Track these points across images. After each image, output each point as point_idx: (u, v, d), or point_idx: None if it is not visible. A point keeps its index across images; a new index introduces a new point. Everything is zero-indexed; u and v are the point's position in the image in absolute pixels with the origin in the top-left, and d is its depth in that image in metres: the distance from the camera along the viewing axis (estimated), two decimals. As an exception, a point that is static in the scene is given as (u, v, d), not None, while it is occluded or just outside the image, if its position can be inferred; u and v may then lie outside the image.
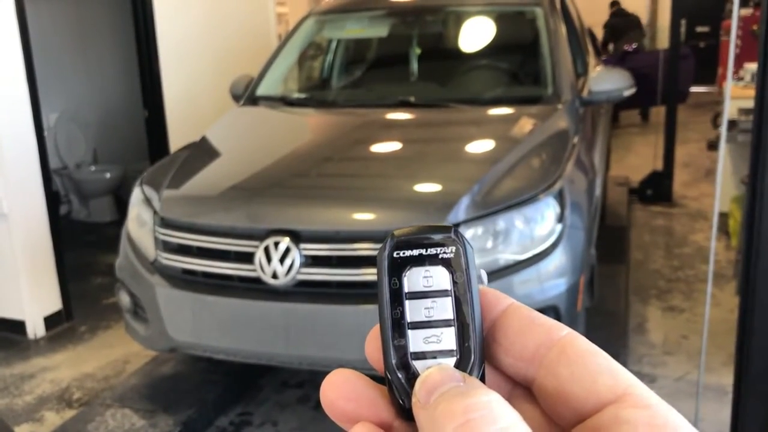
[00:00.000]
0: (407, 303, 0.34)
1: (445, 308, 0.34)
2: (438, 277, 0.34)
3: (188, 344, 2.78)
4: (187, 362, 3.44)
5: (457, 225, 2.56)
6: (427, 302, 0.34)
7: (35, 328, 3.95)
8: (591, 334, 3.16)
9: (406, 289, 0.34)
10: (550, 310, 2.60)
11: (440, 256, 0.34)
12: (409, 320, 0.34)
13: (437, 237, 0.35)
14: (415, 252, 0.34)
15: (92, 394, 3.35)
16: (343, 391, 0.34)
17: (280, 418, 3.09)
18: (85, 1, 6.24)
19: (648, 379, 3.25)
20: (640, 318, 3.90)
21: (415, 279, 0.34)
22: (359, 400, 0.34)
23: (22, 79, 3.77)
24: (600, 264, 3.18)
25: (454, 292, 0.34)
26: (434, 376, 0.32)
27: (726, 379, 3.16)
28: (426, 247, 0.34)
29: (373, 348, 0.35)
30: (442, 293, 0.34)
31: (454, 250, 0.34)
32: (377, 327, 0.35)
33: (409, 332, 0.34)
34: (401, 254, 0.34)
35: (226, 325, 2.68)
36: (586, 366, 0.32)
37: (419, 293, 0.34)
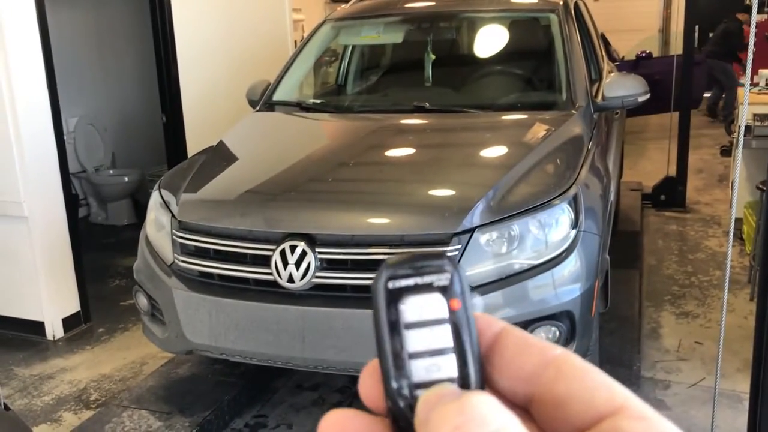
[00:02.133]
0: (406, 333, 0.34)
1: (443, 336, 0.34)
2: (435, 306, 0.34)
3: (205, 347, 2.80)
4: (203, 364, 3.47)
5: (472, 230, 2.58)
6: (426, 331, 0.34)
7: (54, 330, 4.00)
8: (604, 340, 3.17)
9: (404, 320, 0.34)
10: (564, 315, 2.61)
11: (435, 284, 0.34)
12: (409, 351, 0.34)
13: (432, 265, 0.35)
14: (411, 281, 0.34)
15: (109, 396, 3.38)
16: (346, 431, 0.34)
17: (295, 421, 3.12)
18: (104, 8, 6.32)
19: (662, 386, 3.25)
20: (654, 323, 3.90)
21: (412, 309, 0.34)
22: None
23: (43, 85, 3.83)
24: (613, 269, 3.18)
25: (452, 319, 0.34)
26: (433, 393, 0.33)
27: (741, 385, 3.15)
28: (421, 275, 0.34)
29: (368, 386, 0.35)
30: (440, 321, 0.34)
31: (449, 278, 0.35)
32: (371, 365, 0.35)
33: (410, 363, 0.34)
34: (397, 284, 0.34)
35: (242, 327, 2.70)
36: (583, 381, 0.34)
37: (417, 323, 0.34)
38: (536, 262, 2.60)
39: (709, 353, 3.49)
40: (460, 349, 0.34)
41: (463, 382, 0.34)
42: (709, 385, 3.15)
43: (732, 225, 2.62)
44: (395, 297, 0.34)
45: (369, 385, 0.35)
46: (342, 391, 3.31)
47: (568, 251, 2.63)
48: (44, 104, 3.85)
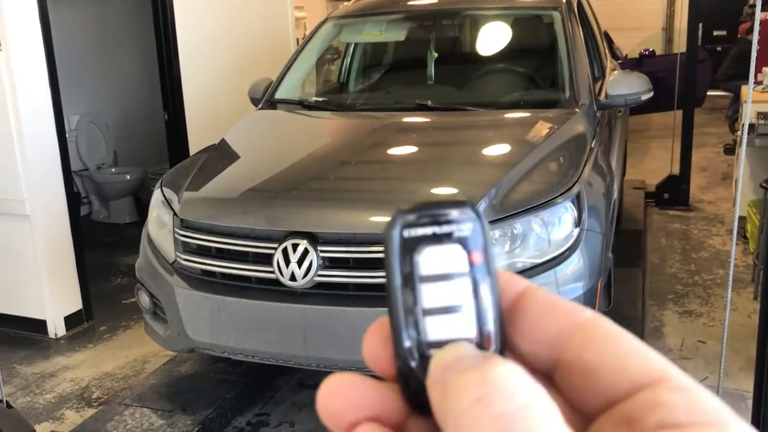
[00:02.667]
0: (421, 287, 0.31)
1: (462, 291, 0.31)
2: (454, 258, 0.31)
3: (206, 345, 2.80)
4: (205, 362, 3.47)
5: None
6: (443, 285, 0.31)
7: (56, 328, 4.00)
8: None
9: (419, 272, 0.31)
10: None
11: (456, 235, 0.31)
12: (424, 306, 0.31)
13: (451, 213, 0.31)
14: (429, 230, 0.31)
15: (111, 394, 3.38)
16: (348, 398, 0.31)
17: (297, 419, 3.11)
18: (106, 6, 6.31)
19: (665, 384, 3.24)
20: (657, 322, 3.89)
21: (429, 260, 0.31)
22: (368, 403, 0.31)
23: (45, 83, 3.83)
24: (616, 268, 3.17)
25: (472, 273, 0.31)
26: (450, 353, 0.30)
27: (744, 384, 3.14)
28: (440, 224, 0.31)
29: (374, 347, 0.32)
30: (459, 275, 0.31)
31: (470, 228, 0.31)
32: (377, 324, 0.33)
33: (425, 319, 0.31)
34: (412, 233, 0.31)
35: (244, 326, 2.70)
36: (615, 348, 0.30)
37: (434, 276, 0.31)
38: (539, 261, 2.59)
39: (713, 352, 3.48)
40: (479, 307, 0.31)
41: (482, 343, 0.31)
42: (713, 383, 3.14)
43: (735, 223, 2.61)
44: (410, 246, 0.31)
45: (375, 346, 0.32)
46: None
47: (571, 250, 2.62)
48: (46, 102, 3.85)
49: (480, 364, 0.28)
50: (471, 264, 0.31)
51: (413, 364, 0.31)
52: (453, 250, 0.31)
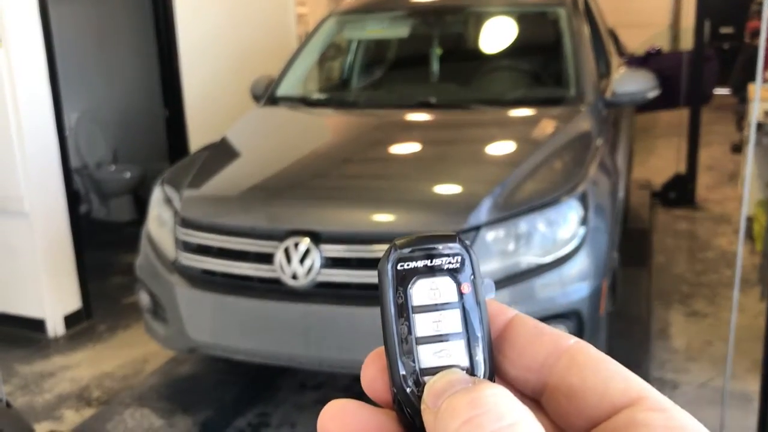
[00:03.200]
0: (414, 317, 0.33)
1: (453, 321, 0.33)
2: (445, 289, 0.33)
3: (207, 344, 2.78)
4: (205, 362, 3.44)
5: (478, 227, 2.53)
6: (435, 315, 0.33)
7: (55, 327, 3.97)
8: (613, 339, 3.13)
9: (412, 303, 0.33)
10: (572, 314, 2.56)
11: (446, 267, 0.33)
12: (417, 335, 0.33)
13: (442, 246, 0.33)
14: (420, 263, 0.33)
15: (111, 393, 3.36)
16: (348, 424, 0.32)
17: (298, 420, 3.08)
18: (106, 3, 6.28)
19: (670, 385, 3.21)
20: (663, 323, 3.85)
21: (421, 292, 0.33)
22: (367, 430, 0.33)
23: (45, 80, 3.80)
24: (622, 268, 3.14)
25: (462, 303, 0.33)
26: (442, 380, 0.31)
27: (751, 385, 3.10)
28: (431, 257, 0.33)
29: (371, 374, 0.34)
30: (449, 305, 0.33)
31: (460, 260, 0.33)
32: (374, 353, 0.34)
33: (418, 348, 0.33)
34: (405, 266, 0.33)
35: (245, 325, 2.68)
36: (598, 372, 0.32)
37: (426, 306, 0.33)
38: (544, 261, 2.56)
39: (719, 353, 3.44)
40: (470, 335, 0.33)
41: (473, 370, 0.33)
42: (719, 385, 3.11)
43: (743, 223, 2.57)
44: (403, 279, 0.33)
45: (372, 375, 0.34)
46: (346, 390, 3.27)
47: (576, 249, 2.59)
48: (46, 99, 3.82)
49: (470, 388, 0.30)
50: (461, 294, 0.33)
51: (408, 390, 0.32)
52: (444, 281, 0.33)
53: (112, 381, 3.48)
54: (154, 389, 3.27)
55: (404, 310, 0.33)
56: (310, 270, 2.54)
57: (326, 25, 4.13)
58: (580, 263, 2.60)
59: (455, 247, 0.33)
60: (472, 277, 0.33)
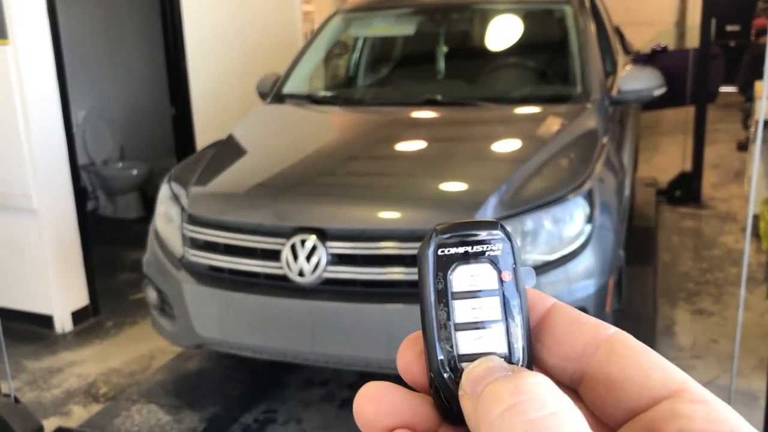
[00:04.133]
0: (454, 303, 0.33)
1: (493, 308, 0.33)
2: (485, 276, 0.33)
3: (214, 341, 2.79)
4: (212, 359, 3.45)
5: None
6: (475, 302, 0.33)
7: (63, 323, 3.99)
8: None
9: (452, 289, 0.33)
10: (578, 311, 2.57)
11: (487, 254, 0.33)
12: (456, 321, 0.33)
13: (483, 233, 0.33)
14: (461, 249, 0.33)
15: (118, 389, 3.37)
16: (384, 405, 0.33)
17: (304, 416, 3.09)
18: (114, 1, 6.30)
19: (676, 383, 3.21)
20: (669, 321, 3.85)
21: (461, 278, 0.33)
22: (402, 411, 0.33)
23: (53, 77, 3.81)
24: (628, 265, 3.14)
25: (502, 291, 0.33)
26: (481, 366, 0.32)
27: (757, 384, 3.10)
28: (472, 244, 0.33)
29: (408, 359, 0.34)
30: (489, 292, 0.33)
31: (501, 247, 0.33)
32: (410, 338, 0.34)
33: (457, 334, 0.33)
34: (446, 252, 0.33)
35: (252, 322, 2.69)
36: (637, 362, 0.32)
37: (466, 293, 0.33)
38: (550, 258, 2.56)
39: (725, 351, 3.44)
40: (509, 323, 0.33)
41: (511, 358, 0.33)
42: (725, 383, 3.11)
43: (749, 221, 2.58)
44: (444, 265, 0.33)
45: (409, 359, 0.34)
46: (352, 386, 3.28)
47: (582, 247, 2.59)
48: (54, 97, 3.83)
49: (512, 376, 0.30)
50: (501, 282, 0.33)
51: (446, 376, 0.32)
52: (484, 268, 0.33)
53: (119, 377, 3.50)
54: (160, 385, 3.28)
55: (444, 296, 0.33)
56: (316, 267, 2.55)
57: (332, 23, 4.14)
58: (586, 261, 2.60)
59: (496, 234, 0.33)
60: (513, 264, 0.33)
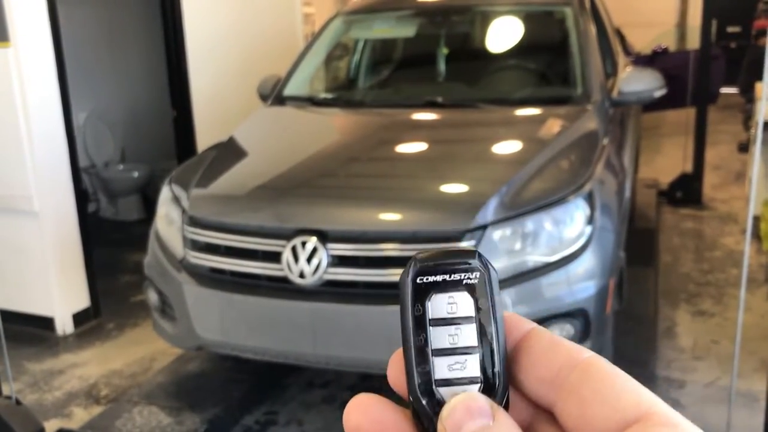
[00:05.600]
0: (431, 330, 0.34)
1: (469, 335, 0.34)
2: (462, 304, 0.34)
3: (215, 343, 2.79)
4: (213, 360, 3.46)
5: (485, 226, 2.54)
6: (451, 329, 0.34)
7: (64, 325, 4.00)
8: (619, 339, 3.14)
9: (429, 316, 0.34)
10: (579, 313, 2.57)
11: (464, 282, 0.34)
12: (433, 347, 0.34)
13: (461, 262, 0.34)
14: (439, 278, 0.34)
15: (119, 391, 3.38)
16: (369, 415, 0.34)
17: (305, 418, 3.09)
18: (114, 3, 6.31)
19: (677, 385, 3.21)
20: (670, 322, 3.85)
21: (438, 305, 0.34)
22: (385, 423, 0.34)
23: (54, 80, 3.82)
24: (629, 267, 3.14)
25: (479, 318, 0.34)
26: (462, 405, 0.32)
27: (758, 385, 3.10)
28: (450, 272, 0.34)
29: (396, 372, 0.35)
30: (466, 320, 0.34)
31: (478, 276, 0.34)
32: (399, 351, 0.35)
33: (433, 359, 0.34)
34: (425, 280, 0.34)
35: (253, 324, 2.69)
36: (610, 386, 0.33)
37: (443, 320, 0.34)
38: (550, 259, 2.56)
39: (725, 352, 3.44)
40: (485, 350, 0.34)
41: (486, 383, 0.34)
42: (725, 384, 3.11)
43: (750, 222, 2.58)
44: (422, 292, 0.34)
45: (397, 372, 0.35)
46: (353, 388, 3.28)
47: (582, 248, 2.59)
48: (55, 99, 3.84)
49: (490, 425, 0.32)
50: (478, 309, 0.34)
51: (423, 401, 0.33)
52: (462, 296, 0.34)
53: (120, 379, 3.50)
54: (162, 387, 3.28)
55: (422, 322, 0.34)
56: (317, 269, 2.55)
57: (333, 25, 4.14)
58: (587, 262, 2.60)
59: (474, 263, 0.34)
60: (490, 293, 0.34)
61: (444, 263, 0.34)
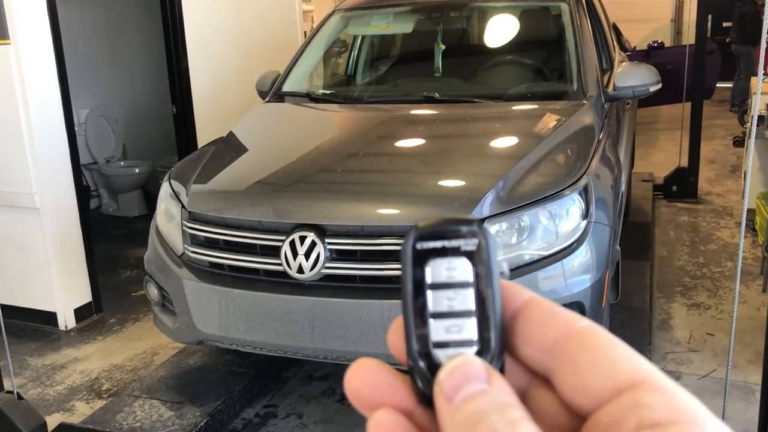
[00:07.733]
0: (430, 293, 0.35)
1: (466, 299, 0.35)
2: (460, 269, 0.35)
3: (215, 337, 2.81)
4: (213, 354, 3.49)
5: (482, 220, 2.57)
6: (449, 293, 0.35)
7: (66, 320, 4.03)
8: (615, 331, 3.17)
9: (428, 280, 0.35)
10: (574, 306, 2.59)
11: (463, 249, 0.35)
12: (431, 310, 0.35)
13: (460, 229, 0.35)
14: (438, 244, 0.35)
15: (121, 385, 3.41)
16: (366, 379, 0.35)
17: (305, 411, 3.13)
18: (115, 0, 6.33)
19: (673, 377, 3.19)
20: (665, 315, 3.88)
21: (437, 270, 0.35)
22: (382, 387, 0.35)
23: (54, 77, 3.84)
24: (624, 260, 3.17)
25: (476, 283, 0.35)
26: (460, 370, 0.33)
27: (753, 377, 3.14)
28: (449, 239, 0.35)
29: (395, 338, 0.36)
30: (464, 285, 0.35)
31: (476, 243, 0.35)
32: (399, 319, 0.36)
33: (431, 321, 0.35)
34: (425, 246, 0.35)
35: (252, 318, 2.71)
36: (606, 354, 0.33)
37: (441, 284, 0.35)
38: (546, 253, 2.59)
39: (721, 345, 3.47)
40: (481, 314, 0.35)
41: (482, 347, 0.35)
42: (721, 376, 3.14)
43: (744, 216, 2.60)
44: (422, 258, 0.35)
45: (396, 339, 0.36)
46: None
47: (578, 242, 2.62)
48: (55, 96, 3.86)
49: (488, 392, 0.33)
50: (476, 275, 0.35)
51: (421, 363, 0.35)
52: (460, 262, 0.35)
53: (121, 373, 3.53)
54: (163, 381, 3.31)
55: (421, 286, 0.35)
56: (315, 263, 2.58)
57: (331, 22, 4.16)
58: (583, 256, 2.62)
59: (473, 230, 0.35)
60: (488, 259, 0.35)
61: (444, 230, 0.35)
